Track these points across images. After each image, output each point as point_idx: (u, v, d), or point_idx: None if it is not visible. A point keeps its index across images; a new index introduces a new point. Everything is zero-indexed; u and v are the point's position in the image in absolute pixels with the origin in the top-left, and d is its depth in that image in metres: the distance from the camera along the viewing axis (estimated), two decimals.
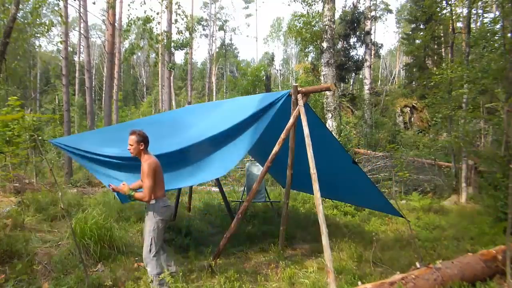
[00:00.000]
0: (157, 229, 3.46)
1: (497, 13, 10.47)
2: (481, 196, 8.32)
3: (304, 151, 3.81)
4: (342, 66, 19.45)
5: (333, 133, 6.34)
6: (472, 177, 9.15)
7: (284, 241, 4.82)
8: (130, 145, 3.43)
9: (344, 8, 20.59)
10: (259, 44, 78.25)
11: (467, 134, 8.89)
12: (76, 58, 28.76)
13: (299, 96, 4.20)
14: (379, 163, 11.31)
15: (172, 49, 14.88)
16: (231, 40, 42.11)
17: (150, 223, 3.45)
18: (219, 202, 7.70)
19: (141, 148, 3.42)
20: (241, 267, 4.52)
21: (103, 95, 19.08)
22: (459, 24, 13.54)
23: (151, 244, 3.43)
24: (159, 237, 3.50)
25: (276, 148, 4.28)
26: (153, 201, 3.42)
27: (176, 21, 11.60)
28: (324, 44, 10.25)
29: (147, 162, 3.35)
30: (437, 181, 10.31)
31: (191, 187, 7.10)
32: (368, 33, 20.06)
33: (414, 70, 21.10)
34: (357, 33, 19.92)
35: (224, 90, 33.09)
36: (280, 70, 45.45)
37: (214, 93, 34.53)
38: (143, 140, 3.43)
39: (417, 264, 3.66)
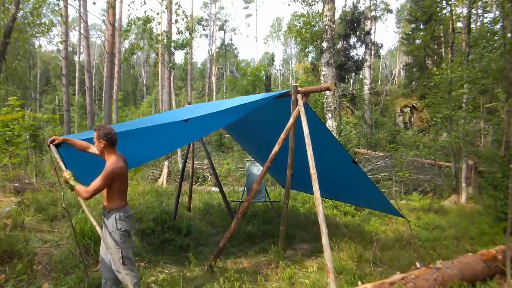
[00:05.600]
0: (124, 241, 3.14)
1: (497, 13, 10.48)
2: (481, 196, 8.34)
3: (304, 151, 3.81)
4: (342, 66, 19.47)
5: (333, 133, 6.34)
6: (472, 177, 9.15)
7: (284, 241, 4.82)
8: (94, 142, 3.14)
9: (344, 8, 20.63)
10: (259, 44, 78.44)
11: (467, 134, 8.89)
12: (76, 58, 28.79)
13: (299, 96, 4.20)
14: (379, 163, 11.32)
15: (172, 49, 14.90)
16: (231, 40, 42.20)
17: (115, 237, 3.11)
18: (219, 202, 7.70)
19: (102, 145, 3.07)
20: (241, 267, 4.53)
21: (103, 95, 19.08)
22: (459, 24, 13.55)
23: (122, 257, 3.09)
24: (129, 246, 3.21)
25: (276, 148, 4.28)
26: (114, 212, 3.12)
27: (176, 21, 11.57)
28: (324, 44, 10.25)
29: (111, 166, 3.01)
30: (437, 181, 10.31)
31: (191, 188, 7.11)
32: (368, 33, 20.06)
33: (414, 70, 21.12)
34: (357, 33, 19.94)
35: (224, 90, 33.07)
36: (280, 70, 45.45)
37: (214, 93, 34.53)
38: (104, 136, 3.05)
39: (417, 264, 3.66)
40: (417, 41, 20.03)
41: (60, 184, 3.68)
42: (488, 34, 8.28)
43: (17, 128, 7.03)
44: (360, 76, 23.51)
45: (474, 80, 8.08)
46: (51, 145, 3.29)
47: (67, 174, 3.07)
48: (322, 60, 10.46)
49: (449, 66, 9.35)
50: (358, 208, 7.57)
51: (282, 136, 4.27)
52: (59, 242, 4.51)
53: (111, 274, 3.21)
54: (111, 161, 3.07)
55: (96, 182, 2.97)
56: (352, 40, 20.32)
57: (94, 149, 3.23)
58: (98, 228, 3.02)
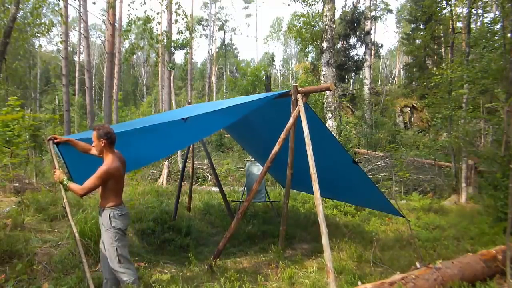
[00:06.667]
0: (119, 239, 3.15)
1: (497, 13, 10.48)
2: (481, 196, 8.33)
3: (304, 151, 3.81)
4: (342, 66, 19.47)
5: (333, 133, 6.34)
6: (472, 177, 9.15)
7: (284, 241, 4.82)
8: (93, 141, 3.17)
9: (344, 8, 20.63)
10: (259, 44, 78.39)
11: (467, 134, 8.89)
12: (76, 58, 28.82)
13: (299, 96, 4.20)
14: (379, 163, 11.32)
15: (172, 49, 14.88)
16: (231, 40, 42.22)
17: (109, 235, 3.14)
18: (219, 202, 7.70)
19: (102, 144, 3.11)
20: (241, 267, 4.53)
21: (103, 95, 19.08)
22: (459, 24, 13.54)
23: (118, 255, 3.12)
24: (124, 244, 3.21)
25: (276, 148, 4.28)
26: (107, 210, 3.16)
27: (176, 21, 11.59)
28: (324, 44, 10.25)
29: (106, 166, 3.05)
30: (437, 181, 10.31)
31: (191, 188, 7.11)
32: (368, 33, 20.06)
33: (414, 70, 21.12)
34: (357, 33, 19.94)
35: (224, 90, 33.08)
36: (280, 70, 45.46)
37: (214, 93, 34.52)
38: (105, 136, 3.10)
39: (417, 264, 3.66)
40: (417, 41, 20.02)
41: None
42: (488, 34, 8.29)
43: (17, 128, 7.03)
44: (360, 76, 23.51)
45: (474, 80, 8.09)
46: (50, 142, 3.31)
47: (60, 173, 3.13)
48: (322, 60, 10.46)
49: (449, 66, 9.35)
50: (358, 208, 7.57)
51: (282, 136, 4.27)
52: (59, 242, 4.50)
53: (111, 273, 3.22)
54: (108, 160, 3.12)
55: (91, 180, 3.03)
56: (352, 40, 20.32)
57: (95, 151, 3.26)
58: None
